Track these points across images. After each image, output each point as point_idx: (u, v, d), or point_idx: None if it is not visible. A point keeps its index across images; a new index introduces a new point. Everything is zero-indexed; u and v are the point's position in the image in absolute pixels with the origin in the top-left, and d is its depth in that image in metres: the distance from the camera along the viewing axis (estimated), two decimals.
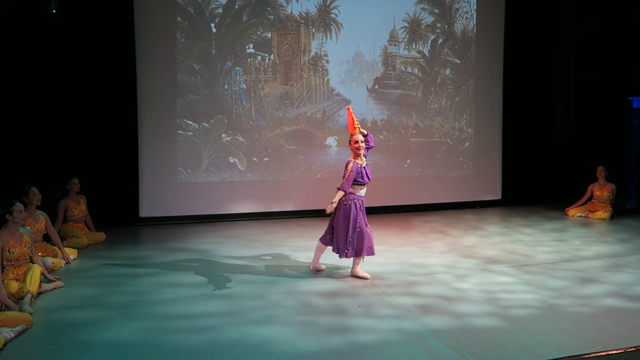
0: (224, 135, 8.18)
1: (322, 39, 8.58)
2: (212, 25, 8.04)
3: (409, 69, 9.13)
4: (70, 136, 7.38)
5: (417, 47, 9.12)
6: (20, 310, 4.12)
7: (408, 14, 9.00)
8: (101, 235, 6.69)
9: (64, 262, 5.60)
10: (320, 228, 7.66)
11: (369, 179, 5.17)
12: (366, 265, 5.64)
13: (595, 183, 8.53)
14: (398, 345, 3.68)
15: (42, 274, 4.77)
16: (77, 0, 7.32)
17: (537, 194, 9.71)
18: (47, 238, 5.74)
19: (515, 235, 7.23)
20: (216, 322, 4.06)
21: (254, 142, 8.32)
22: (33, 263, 4.79)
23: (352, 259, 5.21)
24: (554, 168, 9.94)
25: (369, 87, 8.91)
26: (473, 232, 7.35)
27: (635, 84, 9.09)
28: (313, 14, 8.50)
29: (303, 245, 6.54)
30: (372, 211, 8.73)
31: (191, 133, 8.03)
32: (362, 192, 5.19)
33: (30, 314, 4.11)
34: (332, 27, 8.62)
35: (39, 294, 4.60)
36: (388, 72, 8.99)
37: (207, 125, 8.08)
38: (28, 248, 4.75)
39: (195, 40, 7.95)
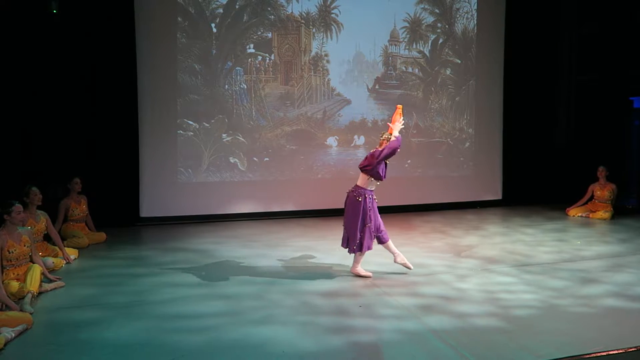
0: (224, 135, 8.18)
1: (322, 39, 8.58)
2: (213, 25, 8.04)
3: (410, 69, 9.13)
4: (71, 136, 7.38)
5: (418, 47, 9.12)
6: (21, 310, 4.12)
7: (408, 14, 9.00)
8: (102, 235, 6.70)
9: (64, 262, 5.60)
10: (320, 228, 7.69)
11: (385, 177, 5.12)
12: (367, 265, 5.64)
13: (596, 183, 8.52)
14: (399, 345, 3.68)
15: (43, 273, 4.78)
16: (77, 0, 7.32)
17: (538, 194, 9.70)
18: (47, 238, 5.74)
19: (516, 235, 7.23)
20: (216, 322, 4.06)
21: (254, 142, 8.32)
22: (33, 263, 4.79)
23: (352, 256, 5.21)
24: (554, 168, 9.93)
25: (370, 87, 8.91)
26: (474, 232, 7.35)
27: (636, 84, 9.08)
28: (313, 14, 8.50)
29: (304, 245, 6.54)
30: None
31: (192, 133, 8.03)
32: (374, 187, 5.15)
33: (31, 313, 4.11)
34: (332, 27, 8.62)
35: (40, 293, 4.60)
36: (388, 72, 8.99)
37: (207, 125, 8.08)
38: (28, 247, 4.76)
39: (196, 40, 7.95)
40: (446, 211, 9.01)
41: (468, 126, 9.49)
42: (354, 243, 5.09)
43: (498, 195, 9.69)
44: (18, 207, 4.65)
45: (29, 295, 4.38)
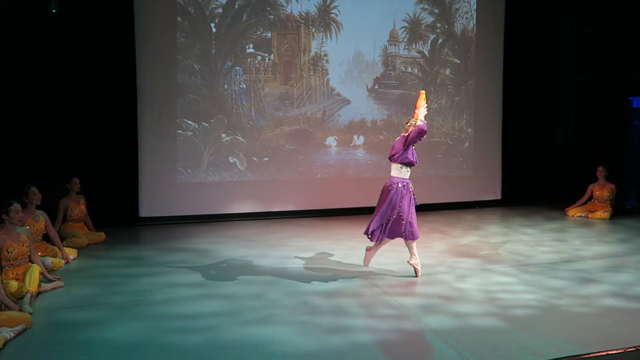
0: (224, 135, 8.17)
1: (322, 38, 8.58)
2: (212, 25, 8.04)
3: (409, 69, 9.13)
4: (71, 136, 7.37)
5: (417, 47, 9.12)
6: (20, 310, 4.12)
7: (408, 14, 8.99)
8: (101, 235, 6.69)
9: (63, 262, 5.59)
10: (320, 228, 7.69)
11: (417, 161, 5.11)
12: (369, 265, 5.64)
13: (595, 183, 8.53)
14: (398, 345, 3.68)
15: (42, 273, 4.77)
16: None
17: (537, 193, 9.71)
18: (46, 238, 5.73)
19: (516, 235, 7.23)
20: (216, 322, 4.06)
21: (254, 142, 8.31)
22: (32, 263, 4.78)
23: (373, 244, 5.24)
24: (553, 168, 9.94)
25: (369, 87, 8.91)
26: (473, 232, 7.35)
27: (636, 84, 9.08)
28: (313, 13, 8.49)
29: (303, 245, 6.54)
30: (372, 211, 8.75)
31: (191, 133, 8.02)
32: (407, 175, 5.11)
33: (30, 313, 4.10)
34: (332, 27, 8.62)
35: (39, 293, 4.59)
36: (388, 72, 8.99)
37: (207, 125, 8.08)
38: (26, 247, 4.75)
39: (196, 40, 7.95)
40: (446, 211, 9.01)
41: (467, 126, 9.49)
42: (373, 228, 5.04)
43: (497, 195, 9.69)
44: (16, 206, 4.64)
45: (28, 295, 4.37)
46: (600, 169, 8.46)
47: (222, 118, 8.15)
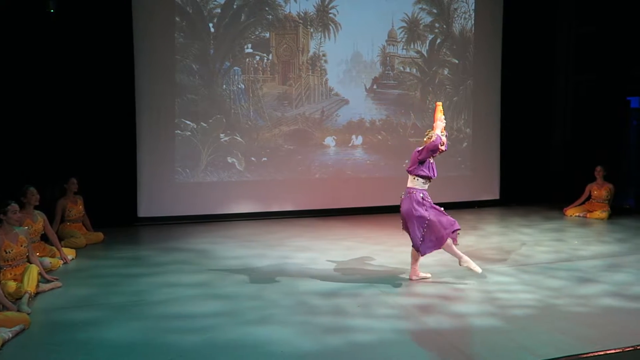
0: (222, 135, 8.17)
1: (320, 38, 8.58)
2: (211, 25, 8.03)
3: (408, 69, 9.13)
4: (69, 136, 7.36)
5: (416, 47, 9.13)
6: (18, 311, 4.11)
7: (406, 14, 9.00)
8: (99, 236, 6.68)
9: (61, 262, 5.58)
10: (318, 228, 7.69)
11: (435, 175, 5.05)
12: (367, 265, 5.64)
13: (594, 183, 8.54)
14: (397, 345, 3.68)
15: (40, 274, 4.76)
16: None
17: (536, 193, 9.72)
18: (45, 238, 5.72)
19: (514, 235, 7.24)
20: (215, 322, 4.06)
21: (252, 142, 8.31)
22: (30, 263, 4.77)
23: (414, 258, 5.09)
24: (552, 168, 9.95)
25: (368, 87, 8.91)
26: (472, 232, 7.35)
27: (634, 84, 9.10)
28: (311, 13, 8.49)
29: (302, 245, 6.54)
30: (370, 211, 8.79)
31: (189, 133, 8.02)
32: (426, 186, 5.07)
33: (28, 314, 4.10)
34: (330, 27, 8.62)
35: (37, 294, 4.58)
36: (386, 72, 8.99)
37: (205, 125, 8.08)
38: (25, 247, 4.74)
39: (194, 40, 7.94)
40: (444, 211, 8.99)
41: (466, 126, 9.49)
42: (419, 245, 4.93)
43: (496, 195, 9.70)
44: (14, 206, 4.64)
45: (26, 295, 4.36)
46: (598, 168, 8.47)
47: (220, 118, 8.14)
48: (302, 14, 8.44)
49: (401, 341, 3.73)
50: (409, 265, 5.64)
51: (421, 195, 4.99)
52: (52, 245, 5.72)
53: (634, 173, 9.38)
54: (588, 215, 8.41)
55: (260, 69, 8.31)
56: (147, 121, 7.77)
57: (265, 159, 8.39)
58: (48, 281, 4.88)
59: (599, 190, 8.46)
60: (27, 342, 3.70)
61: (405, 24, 9.02)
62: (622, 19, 9.03)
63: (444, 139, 5.04)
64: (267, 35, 8.29)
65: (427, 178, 5.04)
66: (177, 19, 7.86)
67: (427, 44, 9.18)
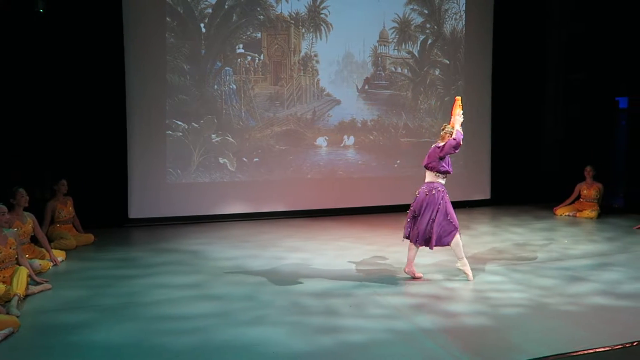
0: (213, 135, 8.14)
1: (312, 39, 8.58)
2: (202, 25, 8.00)
3: (399, 70, 9.16)
4: (59, 137, 7.30)
5: (407, 48, 9.16)
6: (7, 313, 4.07)
7: (398, 15, 9.03)
8: (89, 237, 6.63)
9: (51, 264, 5.53)
10: (310, 228, 7.69)
11: (451, 170, 5.09)
12: (357, 264, 5.65)
13: (583, 182, 8.62)
14: (389, 345, 3.69)
15: (29, 276, 4.72)
16: None
17: (526, 193, 9.79)
18: (34, 240, 5.67)
19: (505, 234, 7.29)
20: (207, 323, 4.04)
21: (244, 142, 8.29)
22: (20, 265, 4.73)
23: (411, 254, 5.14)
24: (542, 167, 10.03)
25: (359, 88, 8.92)
26: (463, 232, 7.30)
27: (622, 85, 9.20)
28: (303, 14, 8.49)
29: (294, 246, 6.54)
30: (363, 211, 8.81)
31: (181, 133, 7.98)
32: (444, 181, 5.10)
33: (18, 317, 4.05)
34: (322, 27, 8.62)
35: (26, 296, 4.54)
36: (378, 72, 9.01)
37: (196, 125, 8.05)
38: (14, 249, 4.70)
39: (185, 41, 7.91)
40: None
41: None
42: (440, 237, 4.99)
43: (487, 195, 9.75)
44: (2, 208, 4.59)
45: (16, 298, 4.32)
46: (588, 168, 8.55)
47: (211, 118, 8.12)
48: (294, 15, 8.44)
49: (393, 341, 3.74)
50: (401, 265, 5.67)
51: (444, 190, 5.07)
52: (41, 247, 5.67)
53: (623, 173, 9.48)
54: (578, 214, 8.49)
55: (252, 69, 8.29)
56: (138, 122, 7.73)
57: (257, 159, 8.38)
58: (38, 283, 4.83)
59: (589, 189, 8.54)
60: (16, 345, 3.66)
61: (396, 25, 9.05)
62: (611, 20, 9.12)
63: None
64: (259, 35, 8.28)
65: (447, 173, 5.09)
66: (168, 19, 7.82)
67: (418, 45, 9.22)
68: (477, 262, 5.76)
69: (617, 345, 3.68)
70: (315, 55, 8.61)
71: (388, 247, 6.51)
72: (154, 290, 4.80)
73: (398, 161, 9.24)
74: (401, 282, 5.07)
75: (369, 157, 8.99)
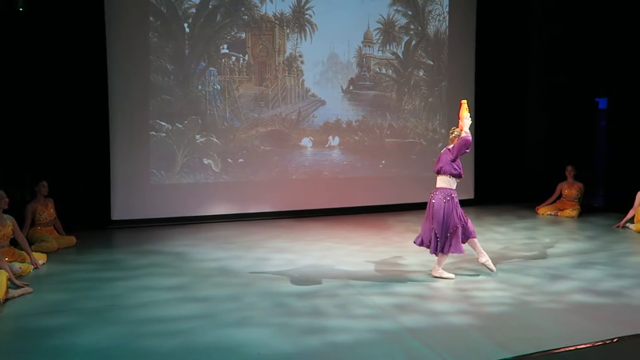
0: (198, 136, 8.09)
1: (296, 39, 8.58)
2: (186, 25, 7.95)
3: (383, 70, 9.21)
4: (39, 137, 7.18)
5: (391, 49, 9.21)
6: None
7: (382, 16, 9.07)
8: (71, 239, 6.54)
9: (32, 267, 5.45)
10: (296, 229, 7.68)
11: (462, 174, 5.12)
12: (342, 265, 5.66)
13: (564, 182, 8.76)
14: (374, 344, 3.70)
15: (9, 279, 4.63)
16: None
17: (509, 193, 9.90)
18: (14, 243, 5.57)
19: (488, 233, 7.36)
20: (191, 325, 4.01)
21: (228, 143, 8.25)
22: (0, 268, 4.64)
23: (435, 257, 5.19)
24: (524, 167, 10.16)
25: (344, 88, 8.95)
26: None
27: (601, 86, 9.36)
28: (287, 14, 8.48)
29: (279, 246, 6.53)
30: (348, 211, 8.83)
31: (164, 134, 7.92)
32: (454, 185, 5.12)
33: None
34: (306, 27, 8.63)
35: (6, 300, 4.46)
36: (362, 73, 9.05)
37: (180, 126, 7.99)
38: None
39: (169, 40, 7.85)
40: (420, 211, 9.00)
41: (441, 127, 9.62)
42: (441, 244, 5.03)
43: (470, 195, 9.85)
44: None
45: None
46: (569, 168, 8.69)
47: (196, 119, 8.06)
48: (278, 15, 8.43)
49: (378, 341, 3.76)
50: (385, 264, 5.70)
51: (455, 195, 5.08)
52: (22, 249, 5.57)
53: (603, 172, 9.65)
54: (559, 213, 8.62)
55: (237, 69, 8.26)
56: (121, 122, 7.64)
57: (242, 160, 8.34)
58: (18, 287, 4.74)
59: (570, 189, 8.68)
60: None
61: (380, 26, 9.09)
62: (591, 22, 9.28)
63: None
64: (243, 35, 8.25)
65: (458, 176, 5.11)
66: (151, 18, 7.75)
67: (403, 46, 9.27)
68: (461, 261, 5.81)
69: (597, 342, 3.74)
70: (300, 56, 8.61)
71: (373, 247, 6.53)
72: (138, 293, 4.75)
73: (383, 161, 9.28)
74: (386, 281, 5.09)
75: (354, 157, 9.02)
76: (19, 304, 4.46)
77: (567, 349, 3.64)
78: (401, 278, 5.22)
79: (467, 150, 5.11)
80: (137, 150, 7.76)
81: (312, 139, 8.77)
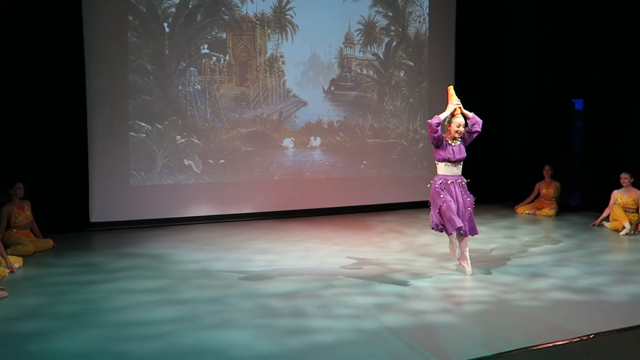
0: (178, 137, 8.02)
1: (277, 40, 8.56)
2: (165, 24, 7.87)
3: (364, 71, 9.25)
4: (14, 138, 7.02)
5: (372, 50, 9.25)
6: None
7: (363, 17, 9.11)
8: (48, 242, 6.42)
9: (7, 271, 5.32)
10: (278, 230, 7.66)
11: (454, 157, 5.18)
12: (325, 265, 5.67)
13: (542, 181, 8.92)
14: (356, 344, 3.72)
15: None
16: None
17: (489, 192, 10.02)
18: None
19: None
20: (172, 328, 3.97)
21: (209, 143, 8.20)
22: None
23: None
24: (503, 167, 10.30)
25: (325, 89, 8.96)
26: (428, 231, 7.48)
27: (577, 87, 9.55)
28: (268, 15, 8.46)
29: (261, 248, 6.50)
30: (329, 212, 8.84)
31: (144, 135, 7.82)
32: (447, 169, 5.19)
33: None
34: (287, 28, 8.62)
35: None
36: (344, 73, 9.07)
37: (160, 126, 7.90)
38: None
39: (148, 40, 7.76)
40: (401, 211, 9.17)
41: (422, 127, 9.70)
42: (440, 226, 5.15)
43: None
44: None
45: None
46: (546, 167, 8.85)
47: (176, 120, 7.99)
48: (259, 15, 8.40)
49: (361, 340, 3.77)
50: (367, 264, 5.73)
51: (440, 181, 5.18)
52: None
53: (579, 171, 9.84)
54: (537, 212, 8.77)
55: (217, 69, 8.21)
56: (100, 122, 7.53)
57: (223, 161, 8.30)
58: None
59: (547, 188, 8.84)
60: None
61: (361, 27, 9.13)
62: (568, 25, 9.45)
63: (442, 117, 5.27)
64: (224, 35, 8.20)
65: (445, 160, 5.18)
66: (130, 17, 7.65)
67: (384, 47, 9.33)
68: (442, 260, 5.87)
69: (575, 338, 3.82)
70: (281, 56, 8.59)
71: (354, 247, 6.56)
72: (117, 296, 4.69)
73: (364, 162, 9.32)
74: (367, 282, 5.12)
75: (336, 158, 9.04)
76: None
77: (546, 345, 3.70)
78: (383, 278, 5.25)
79: (434, 135, 5.16)
80: (116, 151, 7.65)
81: (293, 139, 8.76)
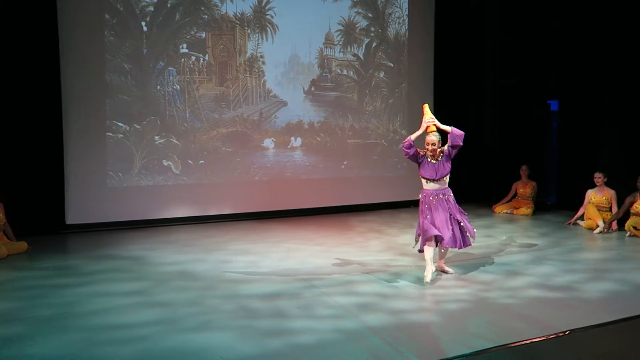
0: (157, 137, 7.92)
1: (257, 40, 8.52)
2: (143, 23, 7.77)
3: (345, 72, 9.27)
4: None
5: (352, 50, 9.28)
6: None
7: (343, 18, 9.14)
8: (22, 245, 6.27)
9: None
10: (258, 231, 7.63)
11: (435, 175, 5.17)
12: (305, 265, 5.66)
13: (519, 181, 9.07)
14: (338, 344, 3.72)
15: None
16: None
17: (467, 192, 10.14)
18: None
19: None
20: (151, 331, 3.92)
21: (189, 144, 8.11)
22: None
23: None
24: (481, 167, 10.43)
25: (306, 89, 8.96)
26: (408, 231, 7.56)
27: (552, 88, 9.73)
28: (248, 14, 8.42)
29: (241, 249, 6.46)
30: (310, 212, 8.84)
31: (122, 135, 7.71)
32: (430, 185, 5.22)
33: None
34: (267, 28, 8.59)
35: None
36: (324, 74, 9.08)
37: (138, 127, 7.79)
38: None
39: (126, 39, 7.65)
40: (382, 211, 9.22)
41: (401, 127, 9.77)
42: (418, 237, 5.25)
43: None
44: None
45: None
46: (523, 167, 9.01)
47: (154, 120, 7.89)
48: (239, 15, 8.35)
49: (342, 340, 3.78)
50: (347, 264, 5.74)
51: (424, 195, 5.25)
52: None
53: (554, 171, 10.03)
54: (515, 211, 8.91)
55: (196, 69, 8.14)
56: (76, 122, 7.39)
57: (203, 161, 8.22)
58: None
59: (524, 188, 8.99)
60: None
61: (341, 28, 9.15)
62: (543, 27, 9.63)
63: (412, 137, 5.33)
64: (203, 35, 8.13)
65: (425, 178, 5.25)
66: (107, 16, 7.53)
67: (364, 48, 9.37)
68: (422, 260, 5.90)
69: (551, 335, 3.89)
70: (262, 56, 8.56)
71: (335, 247, 6.56)
72: (94, 299, 4.60)
73: (345, 162, 9.34)
74: (348, 282, 5.13)
75: (316, 158, 9.04)
76: None
77: (523, 342, 3.76)
78: (364, 278, 5.26)
79: (407, 157, 5.28)
80: (92, 151, 7.52)
81: (274, 140, 8.73)
